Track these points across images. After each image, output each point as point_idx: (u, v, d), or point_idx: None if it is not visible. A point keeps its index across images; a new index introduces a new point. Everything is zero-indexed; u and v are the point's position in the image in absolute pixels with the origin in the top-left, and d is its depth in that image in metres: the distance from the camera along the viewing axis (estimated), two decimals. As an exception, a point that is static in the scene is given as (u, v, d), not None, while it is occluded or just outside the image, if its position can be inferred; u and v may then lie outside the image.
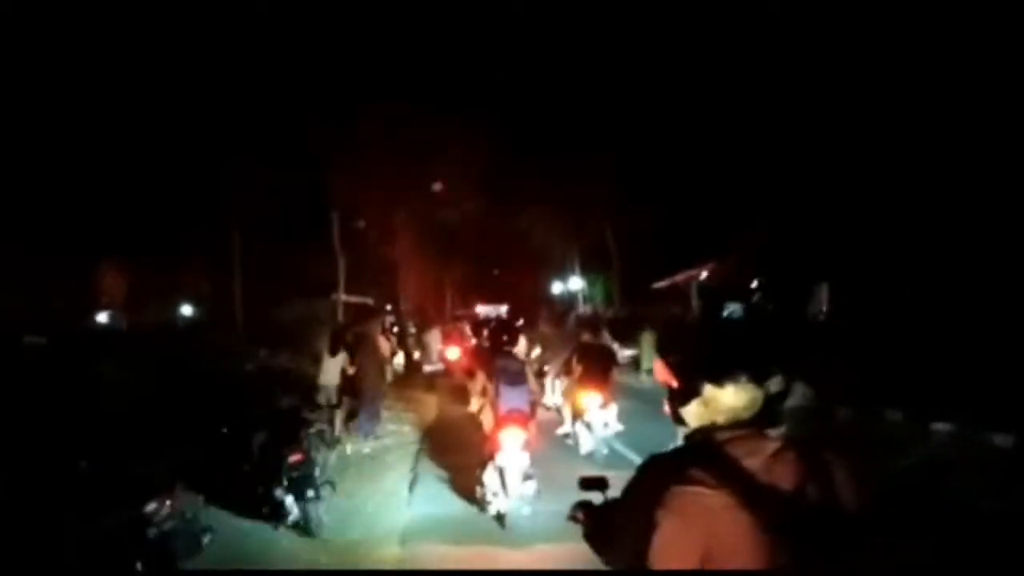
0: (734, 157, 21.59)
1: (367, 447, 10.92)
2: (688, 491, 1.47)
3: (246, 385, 10.07)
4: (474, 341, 17.41)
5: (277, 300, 22.00)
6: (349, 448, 10.67)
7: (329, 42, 21.01)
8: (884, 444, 8.83)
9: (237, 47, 19.22)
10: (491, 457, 6.99)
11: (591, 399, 9.51)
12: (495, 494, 6.94)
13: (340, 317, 21.41)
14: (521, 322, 19.10)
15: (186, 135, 20.14)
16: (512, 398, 7.05)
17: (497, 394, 7.08)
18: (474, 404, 7.83)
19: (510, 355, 7.73)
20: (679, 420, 1.72)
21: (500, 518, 6.94)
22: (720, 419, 1.63)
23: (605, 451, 9.37)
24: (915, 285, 15.95)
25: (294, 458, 6.53)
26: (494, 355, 7.70)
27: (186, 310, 34.14)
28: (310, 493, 6.49)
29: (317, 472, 6.83)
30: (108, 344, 17.91)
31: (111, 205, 22.30)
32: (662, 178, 24.71)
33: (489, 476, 7.01)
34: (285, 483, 6.44)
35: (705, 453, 1.57)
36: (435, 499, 8.07)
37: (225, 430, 6.91)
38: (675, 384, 1.72)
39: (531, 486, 6.82)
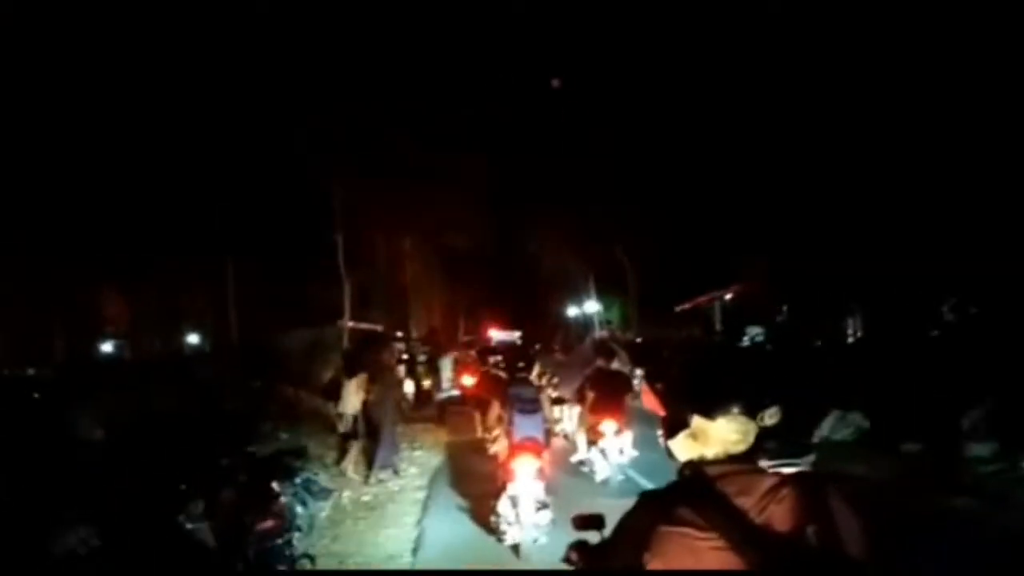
0: (759, 176, 20.63)
1: (367, 494, 9.58)
2: (675, 532, 1.42)
3: (228, 424, 8.82)
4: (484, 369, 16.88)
5: (278, 327, 20.92)
6: (346, 496, 9.34)
7: (333, 63, 20.26)
8: (974, 489, 7.50)
9: (237, 68, 18.51)
10: (505, 486, 6.88)
11: (606, 426, 9.31)
12: (510, 524, 6.79)
13: (347, 344, 20.49)
14: (537, 348, 18.47)
15: (185, 158, 19.41)
16: (526, 426, 6.99)
17: (511, 422, 7.03)
18: (487, 433, 7.85)
19: (525, 382, 7.69)
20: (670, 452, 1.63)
21: (515, 548, 6.74)
22: (710, 453, 1.55)
23: (621, 478, 9.15)
24: (957, 308, 15.11)
25: (264, 525, 5.23)
26: (509, 383, 7.68)
27: (193, 338, 33.19)
28: (280, 569, 5.17)
29: (295, 541, 5.51)
30: (103, 376, 16.81)
31: (113, 230, 21.58)
32: (681, 197, 23.87)
33: (503, 506, 6.87)
34: (250, 555, 5.13)
35: (695, 490, 1.49)
36: (448, 535, 7.60)
37: (184, 486, 5.59)
38: (662, 415, 1.64)
39: (546, 515, 6.63)
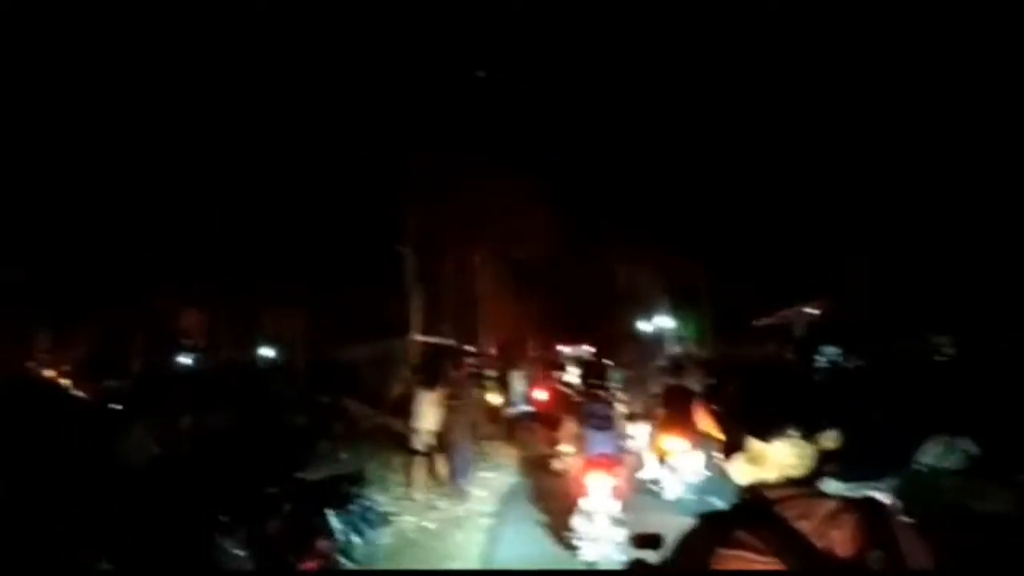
0: (849, 181, 19.43)
1: (431, 520, 8.91)
2: (733, 555, 1.39)
3: (285, 444, 8.32)
4: (556, 385, 17.26)
5: (346, 341, 20.68)
6: (409, 521, 8.69)
7: (400, 71, 20.08)
8: None
9: (306, 80, 18.37)
10: (578, 502, 6.89)
11: (676, 444, 9.19)
12: (584, 540, 6.76)
13: (417, 358, 20.23)
14: (609, 364, 18.03)
15: (256, 171, 19.37)
16: (599, 442, 7.02)
17: (585, 438, 7.06)
18: (555, 449, 7.96)
19: (598, 399, 7.64)
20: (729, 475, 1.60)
21: (590, 565, 6.66)
22: (769, 476, 1.52)
23: (692, 498, 8.96)
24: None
25: (308, 565, 4.59)
26: (582, 399, 7.74)
27: (267, 351, 33.38)
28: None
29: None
30: (172, 389, 16.81)
31: (190, 244, 21.82)
32: (767, 204, 22.64)
33: (577, 521, 6.88)
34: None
35: (754, 513, 1.47)
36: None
37: (225, 518, 5.02)
38: (719, 437, 1.61)
39: (621, 532, 6.51)
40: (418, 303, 22.94)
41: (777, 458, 1.51)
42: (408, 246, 22.66)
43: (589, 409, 7.34)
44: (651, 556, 2.18)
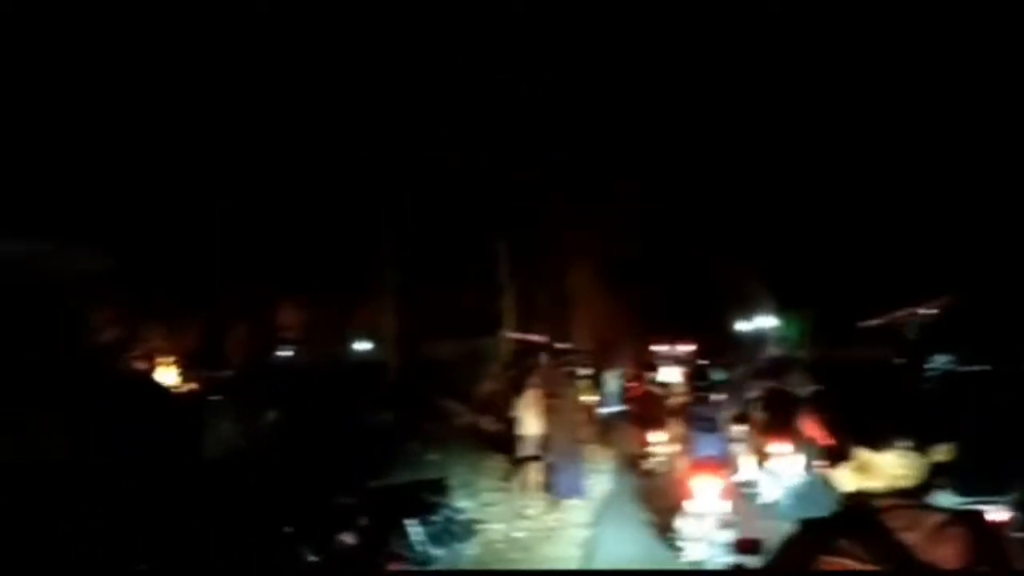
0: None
1: (521, 529, 8.27)
2: (834, 563, 1.38)
3: (369, 443, 7.85)
4: (647, 386, 16.95)
5: (437, 337, 20.46)
6: (498, 530, 8.09)
7: (499, 69, 19.89)
8: None
9: (404, 79, 18.27)
10: (682, 504, 6.88)
11: (776, 447, 8.97)
12: (688, 541, 6.77)
13: (508, 356, 19.84)
14: (709, 363, 17.41)
15: (350, 168, 19.41)
16: (706, 445, 7.04)
17: (690, 440, 7.12)
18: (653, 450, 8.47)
19: (705, 401, 7.76)
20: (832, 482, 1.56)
21: (695, 565, 6.62)
22: (875, 485, 1.48)
23: (789, 503, 8.31)
24: None
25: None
26: (689, 401, 7.94)
27: (363, 345, 33.70)
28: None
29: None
30: (267, 382, 16.85)
31: (284, 235, 22.17)
32: (882, 199, 21.27)
33: (683, 522, 6.89)
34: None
35: (858, 522, 1.44)
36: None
37: (290, 528, 4.52)
38: (826, 444, 1.56)
39: (728, 534, 6.28)
40: (511, 299, 22.60)
41: (886, 468, 1.46)
42: (503, 239, 22.42)
43: (695, 411, 7.45)
44: (751, 561, 2.25)
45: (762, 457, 9.21)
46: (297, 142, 19.24)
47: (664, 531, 7.33)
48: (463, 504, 8.24)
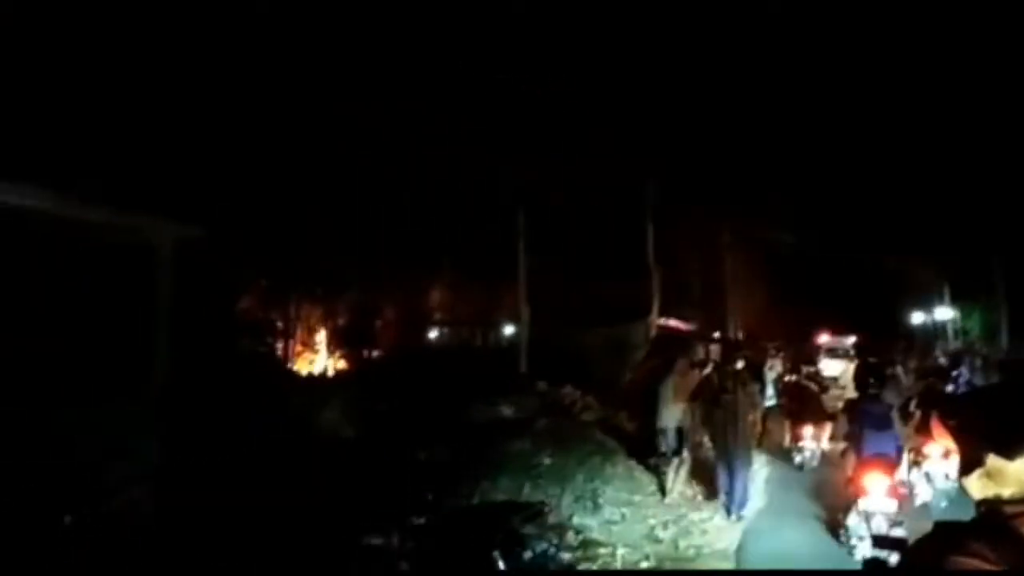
0: None
1: (649, 557, 7.04)
2: (964, 563, 1.36)
3: (472, 443, 6.91)
4: (802, 381, 16.32)
5: (574, 324, 19.60)
6: (623, 555, 6.89)
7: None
8: None
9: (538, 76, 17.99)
10: (854, 501, 6.92)
11: (931, 448, 8.67)
12: (861, 539, 6.77)
13: (652, 345, 18.73)
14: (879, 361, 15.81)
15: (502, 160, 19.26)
16: (877, 442, 7.04)
17: (861, 438, 7.09)
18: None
19: (876, 399, 7.67)
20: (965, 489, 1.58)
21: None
22: (1007, 492, 1.44)
23: (944, 504, 8.54)
24: None
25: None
26: (859, 398, 7.73)
27: (509, 329, 33.54)
28: None
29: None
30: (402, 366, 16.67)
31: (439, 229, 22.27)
32: None
33: (853, 520, 6.96)
34: None
35: (990, 527, 1.42)
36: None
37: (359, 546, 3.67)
38: (956, 450, 1.55)
39: (900, 532, 6.23)
40: (659, 283, 21.48)
41: (1018, 475, 1.40)
42: (651, 223, 21.40)
43: (867, 409, 7.35)
44: (894, 557, 2.29)
45: (918, 457, 9.06)
46: (446, 133, 19.19)
47: (834, 528, 7.44)
48: (578, 520, 7.22)
